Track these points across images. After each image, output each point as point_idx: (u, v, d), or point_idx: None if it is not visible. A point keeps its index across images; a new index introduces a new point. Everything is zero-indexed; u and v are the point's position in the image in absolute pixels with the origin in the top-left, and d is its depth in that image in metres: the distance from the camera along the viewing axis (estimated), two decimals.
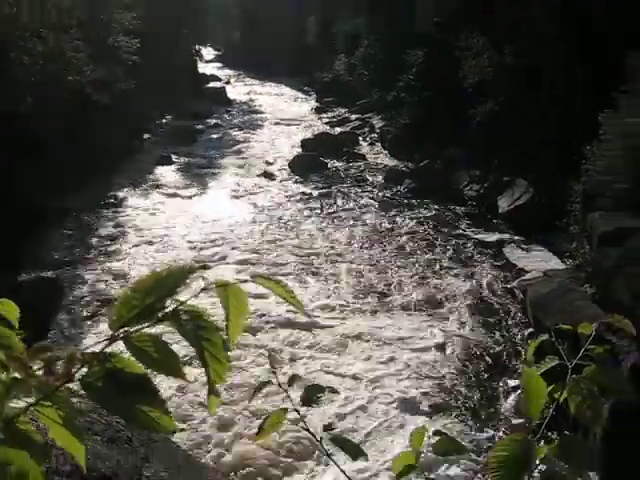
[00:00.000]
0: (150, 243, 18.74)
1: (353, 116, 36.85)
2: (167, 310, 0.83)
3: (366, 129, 33.64)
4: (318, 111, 40.13)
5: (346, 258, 18.03)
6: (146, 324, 0.83)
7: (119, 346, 0.92)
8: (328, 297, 15.82)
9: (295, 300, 0.98)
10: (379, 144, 31.04)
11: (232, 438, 10.42)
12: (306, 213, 21.83)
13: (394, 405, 11.44)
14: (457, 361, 13.01)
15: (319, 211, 21.98)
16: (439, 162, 24.49)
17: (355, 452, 1.62)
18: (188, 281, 0.83)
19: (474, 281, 16.49)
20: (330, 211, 21.98)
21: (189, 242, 18.88)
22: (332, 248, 18.75)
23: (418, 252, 18.44)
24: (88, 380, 0.82)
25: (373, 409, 11.34)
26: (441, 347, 13.48)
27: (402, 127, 29.05)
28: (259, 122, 37.23)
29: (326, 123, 36.45)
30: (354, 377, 12.30)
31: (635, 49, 15.17)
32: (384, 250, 18.58)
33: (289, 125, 36.37)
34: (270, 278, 0.93)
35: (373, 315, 14.95)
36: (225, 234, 19.56)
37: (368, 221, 21.02)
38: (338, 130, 33.83)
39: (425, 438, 1.64)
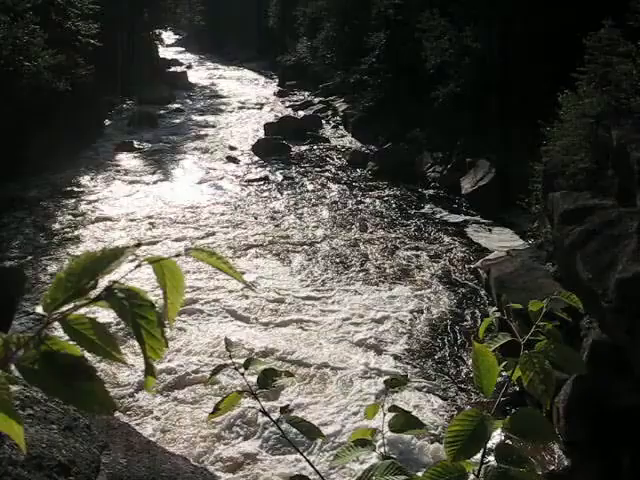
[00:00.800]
0: (112, 229, 18.56)
1: (316, 99, 36.82)
2: (101, 290, 0.82)
3: (329, 112, 33.64)
4: (281, 95, 40.00)
5: (312, 238, 18.19)
6: (81, 304, 0.82)
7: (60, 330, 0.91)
8: (299, 271, 16.17)
9: (232, 271, 0.96)
10: (342, 127, 31.09)
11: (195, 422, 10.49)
12: (271, 196, 21.80)
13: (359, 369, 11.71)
14: (420, 337, 13.20)
15: (284, 194, 21.95)
16: (402, 144, 24.57)
17: (312, 433, 1.62)
18: (122, 260, 0.82)
19: (438, 261, 16.65)
20: (295, 194, 21.95)
21: (151, 226, 18.75)
22: (298, 228, 18.89)
23: (382, 233, 18.56)
24: (24, 364, 0.81)
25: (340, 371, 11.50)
26: (405, 323, 13.70)
27: (365, 110, 29.11)
28: (222, 106, 36.98)
29: (289, 107, 36.36)
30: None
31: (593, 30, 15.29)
32: (349, 231, 18.68)
33: (252, 109, 36.22)
34: (204, 250, 0.92)
35: (340, 289, 15.24)
36: (189, 218, 19.48)
37: (332, 203, 21.08)
38: (301, 114, 33.76)
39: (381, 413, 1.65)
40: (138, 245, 0.85)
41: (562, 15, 18.42)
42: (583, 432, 9.62)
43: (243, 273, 15.76)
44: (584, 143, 14.35)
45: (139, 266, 0.85)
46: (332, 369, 12.05)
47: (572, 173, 14.05)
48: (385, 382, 1.72)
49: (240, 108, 36.42)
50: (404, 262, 16.61)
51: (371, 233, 18.54)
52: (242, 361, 1.69)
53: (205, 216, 19.71)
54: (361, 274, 16.02)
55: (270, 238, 18.13)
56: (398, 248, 17.45)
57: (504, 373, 1.68)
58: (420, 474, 1.43)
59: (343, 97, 33.81)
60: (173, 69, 48.10)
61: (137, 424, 9.80)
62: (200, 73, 48.54)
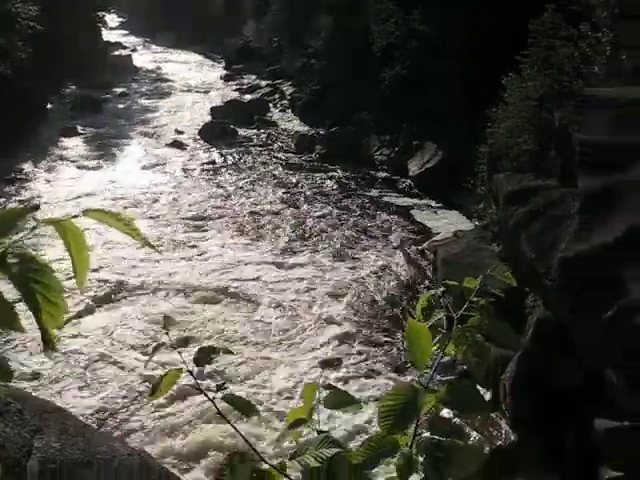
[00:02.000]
0: (57, 214, 18.22)
1: (263, 83, 36.57)
2: None
3: (276, 96, 33.46)
4: (227, 78, 39.60)
5: (258, 217, 18.47)
6: None
7: None
8: (245, 247, 16.56)
9: (135, 232, 0.95)
10: (290, 111, 30.97)
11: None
12: (218, 179, 21.70)
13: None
14: (364, 315, 13.37)
15: (231, 177, 21.85)
16: (350, 127, 24.62)
17: (247, 410, 1.62)
18: (21, 223, 0.79)
19: (385, 242, 16.82)
20: (242, 177, 21.85)
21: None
22: (244, 208, 19.09)
23: (329, 213, 18.71)
24: None
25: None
26: (351, 300, 13.90)
27: (313, 93, 29.04)
28: (167, 90, 36.48)
29: (236, 90, 36.05)
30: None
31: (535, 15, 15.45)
32: (296, 211, 18.84)
33: (198, 93, 35.82)
34: (103, 210, 0.90)
35: (285, 266, 15.64)
36: (135, 201, 19.37)
37: (279, 185, 21.13)
38: (248, 97, 33.51)
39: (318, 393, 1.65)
40: (36, 208, 0.84)
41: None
42: (528, 409, 9.83)
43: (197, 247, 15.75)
44: (528, 125, 14.55)
45: (36, 228, 0.84)
46: (274, 343, 12.28)
47: (516, 155, 14.25)
48: (321, 363, 1.72)
49: (186, 92, 35.99)
50: (351, 243, 16.82)
51: (318, 213, 18.68)
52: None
53: (151, 199, 19.67)
54: (307, 252, 16.30)
55: (217, 217, 18.39)
56: (345, 229, 17.61)
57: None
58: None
59: (290, 80, 33.67)
60: (117, 52, 47.20)
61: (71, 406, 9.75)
62: (145, 56, 47.75)
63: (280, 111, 31.42)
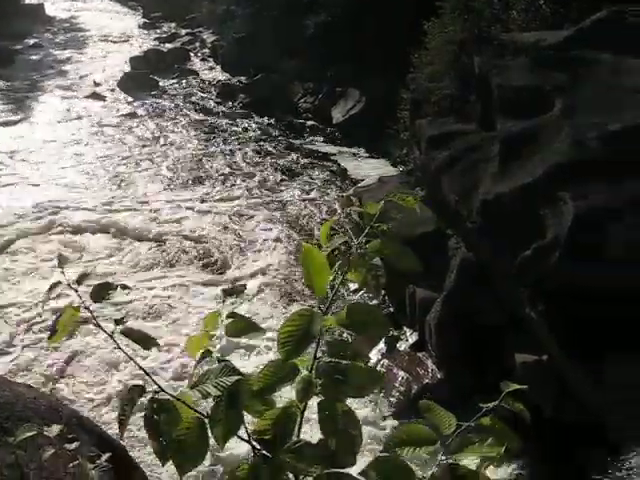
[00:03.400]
0: None
1: (183, 31, 35.68)
2: None
3: (197, 44, 32.72)
4: (146, 27, 38.43)
5: (181, 162, 18.64)
6: None
7: None
8: (166, 189, 16.96)
9: None
10: (212, 59, 30.35)
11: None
12: (139, 129, 21.31)
13: None
14: (289, 261, 13.49)
15: (153, 127, 21.42)
16: (273, 75, 24.32)
17: (147, 343, 1.60)
18: None
19: (311, 189, 16.87)
20: (164, 127, 21.46)
21: (8, 166, 18.05)
22: (166, 155, 19.11)
23: (253, 160, 18.70)
24: None
25: None
26: (274, 246, 14.04)
27: (235, 41, 28.44)
28: (83, 40, 35.18)
29: (155, 39, 35.02)
30: None
31: None
32: (218, 157, 18.94)
33: (116, 42, 34.68)
34: None
35: (202, 211, 15.83)
36: (52, 155, 18.87)
37: (202, 133, 20.97)
38: (168, 46, 32.60)
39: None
40: None
41: None
42: (454, 347, 10.11)
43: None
44: (448, 70, 14.66)
45: None
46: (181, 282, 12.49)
47: (437, 100, 14.37)
48: (223, 291, 1.71)
49: (103, 41, 34.77)
50: (274, 189, 16.94)
51: (241, 160, 18.69)
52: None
53: (69, 149, 19.43)
54: (228, 195, 16.58)
55: (140, 163, 18.53)
56: (269, 176, 17.68)
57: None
58: None
59: (211, 28, 32.96)
60: (28, 1, 45.15)
61: None
62: (58, 5, 45.73)
63: (201, 60, 30.75)
